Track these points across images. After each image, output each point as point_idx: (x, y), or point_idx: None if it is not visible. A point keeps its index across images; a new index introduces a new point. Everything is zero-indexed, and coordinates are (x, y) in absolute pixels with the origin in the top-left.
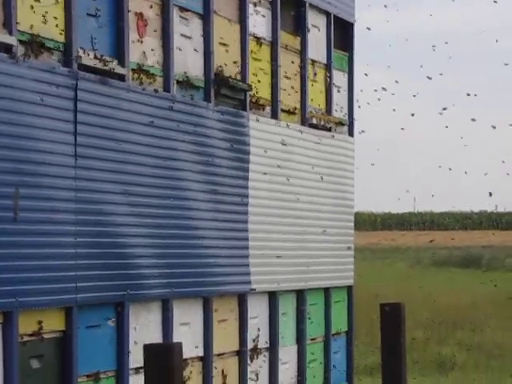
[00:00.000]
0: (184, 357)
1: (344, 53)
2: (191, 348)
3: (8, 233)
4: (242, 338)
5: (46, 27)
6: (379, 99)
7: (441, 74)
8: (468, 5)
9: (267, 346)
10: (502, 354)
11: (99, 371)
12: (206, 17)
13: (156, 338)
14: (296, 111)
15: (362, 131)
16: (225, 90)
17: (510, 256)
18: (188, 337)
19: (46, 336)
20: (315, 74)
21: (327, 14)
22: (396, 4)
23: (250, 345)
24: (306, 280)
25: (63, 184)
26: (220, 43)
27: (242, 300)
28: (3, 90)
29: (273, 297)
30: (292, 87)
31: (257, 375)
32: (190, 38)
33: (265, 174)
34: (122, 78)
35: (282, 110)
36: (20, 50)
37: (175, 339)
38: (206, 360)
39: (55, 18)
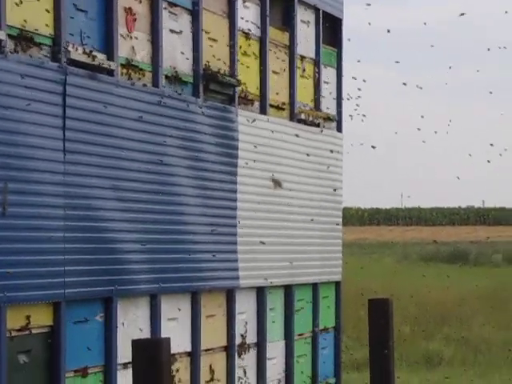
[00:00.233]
0: (172, 352)
1: (333, 48)
2: (179, 343)
3: None
4: (230, 333)
5: (35, 22)
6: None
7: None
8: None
9: (255, 341)
10: (489, 349)
11: (87, 366)
12: (194, 12)
13: (144, 333)
14: (284, 107)
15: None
16: (213, 86)
17: (497, 252)
18: (176, 332)
19: (34, 331)
20: (304, 70)
21: (316, 9)
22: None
23: (237, 340)
24: (294, 275)
25: (52, 179)
26: (209, 38)
27: (230, 295)
28: None
29: (261, 292)
30: (281, 83)
31: (244, 370)
32: (178, 33)
33: (253, 169)
34: (110, 72)
35: (271, 106)
36: (9, 45)
37: (163, 334)
38: (193, 355)
39: (44, 12)
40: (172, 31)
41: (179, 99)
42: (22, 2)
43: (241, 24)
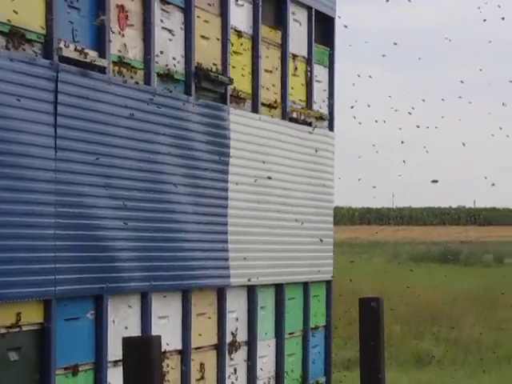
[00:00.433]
0: (163, 350)
1: (325, 47)
2: (170, 341)
3: None
4: (221, 331)
5: (27, 19)
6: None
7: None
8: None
9: (246, 339)
10: (479, 350)
11: (77, 364)
12: (187, 10)
13: (135, 330)
14: (276, 105)
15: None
16: (205, 84)
17: (487, 252)
18: (167, 330)
19: (24, 328)
20: (296, 69)
21: (308, 8)
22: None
23: (228, 338)
24: (285, 274)
25: (43, 176)
26: (201, 36)
27: (220, 294)
28: None
29: (252, 291)
30: (273, 81)
31: (235, 369)
32: (171, 31)
33: (245, 168)
34: (102, 70)
35: (263, 104)
36: (0, 42)
37: (154, 332)
38: (184, 353)
39: (36, 9)
40: (164, 29)
41: (171, 97)
42: None
43: (233, 22)
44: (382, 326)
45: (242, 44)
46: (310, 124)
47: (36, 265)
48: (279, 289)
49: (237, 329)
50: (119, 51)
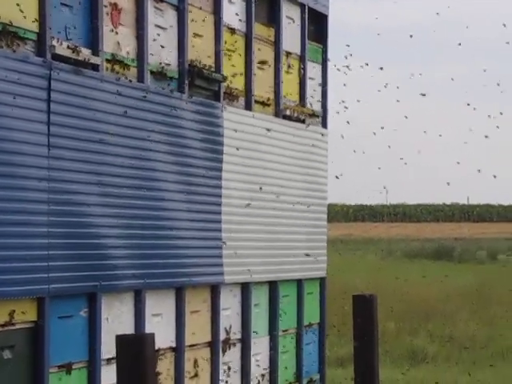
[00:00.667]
0: (156, 347)
1: (318, 45)
2: (163, 339)
3: None
4: (215, 329)
5: (20, 16)
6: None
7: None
8: None
9: (239, 337)
10: (474, 346)
11: (71, 362)
12: (180, 8)
13: (128, 328)
14: (270, 102)
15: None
16: (199, 81)
17: (481, 248)
18: (160, 328)
19: (17, 326)
20: (289, 66)
21: (301, 5)
22: None
23: (222, 336)
24: (279, 271)
25: (36, 174)
26: (194, 34)
27: (214, 291)
28: None
29: (245, 288)
30: (266, 78)
31: (229, 366)
32: (164, 28)
33: (238, 165)
34: (95, 68)
35: (256, 102)
36: None
37: (148, 330)
38: (178, 351)
39: (29, 7)
40: (157, 26)
41: (164, 95)
42: None
43: (226, 20)
44: (376, 323)
45: (235, 41)
46: (303, 121)
47: (29, 263)
48: (273, 286)
49: (231, 326)
50: (112, 49)
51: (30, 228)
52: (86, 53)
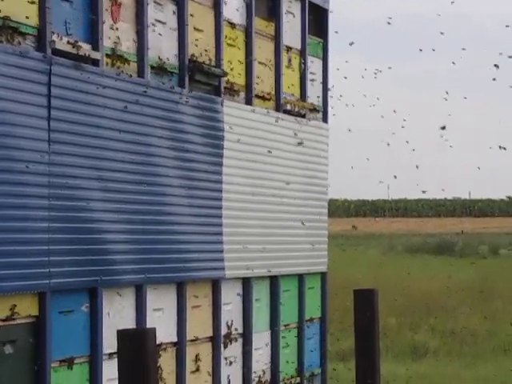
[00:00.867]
0: (157, 342)
1: (319, 39)
2: (165, 333)
3: None
4: (216, 323)
5: (20, 12)
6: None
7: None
8: None
9: (241, 331)
10: (475, 341)
11: (72, 356)
12: (180, 2)
13: (129, 323)
14: (270, 97)
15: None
16: (199, 76)
17: (483, 243)
18: (162, 322)
19: (19, 321)
20: (290, 61)
21: (302, 0)
22: None
23: (223, 330)
24: (280, 266)
25: (36, 169)
26: (194, 29)
27: (215, 286)
28: None
29: (246, 283)
30: (266, 73)
31: (230, 361)
32: (164, 23)
33: (239, 160)
34: (95, 63)
35: (257, 96)
36: None
37: (149, 325)
38: (179, 345)
39: (29, 2)
40: (157, 21)
41: (164, 90)
42: None
43: (226, 14)
44: (377, 318)
45: (235, 36)
46: (303, 116)
47: (30, 258)
48: (274, 281)
49: (232, 321)
50: (112, 44)
51: (31, 223)
52: (86, 48)
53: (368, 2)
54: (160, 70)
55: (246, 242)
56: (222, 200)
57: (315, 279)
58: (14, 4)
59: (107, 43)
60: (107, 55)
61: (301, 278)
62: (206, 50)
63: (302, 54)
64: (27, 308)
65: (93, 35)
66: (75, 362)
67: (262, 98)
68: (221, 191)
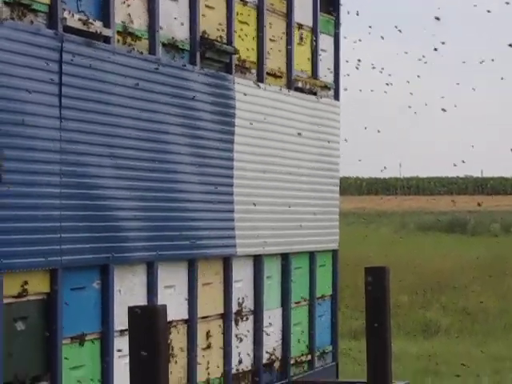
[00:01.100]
0: (168, 319)
1: (330, 16)
2: (176, 311)
3: None
4: (227, 301)
5: None
6: (359, 60)
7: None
8: None
9: (252, 309)
10: (486, 319)
11: (84, 333)
12: None
13: (141, 300)
14: (281, 75)
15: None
16: (210, 53)
17: (495, 221)
18: (173, 300)
19: (30, 298)
20: (301, 38)
21: None
22: None
23: (234, 308)
24: (291, 244)
25: (48, 146)
26: (206, 6)
27: (226, 263)
28: None
29: (258, 260)
30: (278, 51)
31: (241, 338)
32: (176, 0)
33: (250, 137)
34: (107, 40)
35: (268, 74)
36: (5, 12)
37: (160, 302)
38: (190, 323)
39: None
40: None
41: (176, 67)
42: None
43: None
44: (388, 295)
45: (247, 13)
46: (315, 93)
47: (42, 234)
48: (285, 258)
49: (243, 298)
50: (124, 21)
51: (43, 200)
52: (97, 25)
53: None
54: (171, 47)
55: (258, 219)
56: (233, 177)
57: (326, 257)
58: None
59: (118, 20)
60: (118, 32)
61: (312, 255)
62: (217, 28)
63: (314, 31)
64: (39, 285)
65: (104, 12)
66: (86, 338)
67: (274, 75)
68: (232, 168)
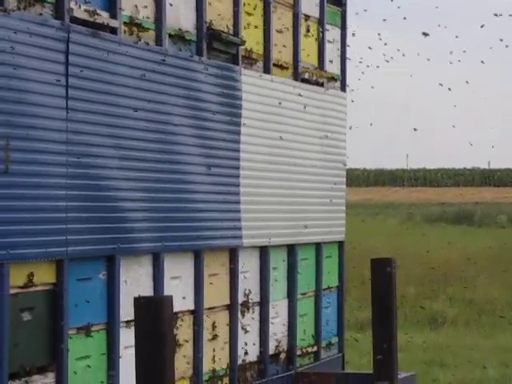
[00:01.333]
0: (174, 310)
1: (337, 8)
2: (182, 301)
3: None
4: (233, 292)
5: None
6: (370, 48)
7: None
8: None
9: (258, 300)
10: (493, 310)
11: (90, 324)
12: None
13: (147, 291)
14: (288, 66)
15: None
16: (217, 44)
17: (501, 212)
18: (179, 290)
19: (36, 288)
20: (308, 29)
21: None
22: None
23: (240, 299)
24: (298, 235)
25: (54, 137)
26: None
27: (233, 254)
28: None
29: (264, 251)
30: (284, 42)
31: (247, 329)
32: None
33: (256, 128)
34: (113, 31)
35: (274, 65)
36: (12, 2)
37: (166, 293)
38: (196, 314)
39: None
40: None
41: (182, 58)
42: None
43: None
44: (395, 287)
45: (253, 4)
46: (321, 85)
47: (48, 225)
48: (291, 249)
49: (249, 289)
50: (130, 12)
51: (49, 190)
52: (104, 16)
53: None
54: (178, 38)
55: (264, 210)
56: (239, 168)
57: (333, 248)
58: None
59: (125, 11)
60: (125, 23)
61: (318, 246)
62: (224, 19)
63: (321, 22)
64: (45, 275)
65: (111, 3)
66: (92, 329)
67: (280, 66)
68: (238, 160)
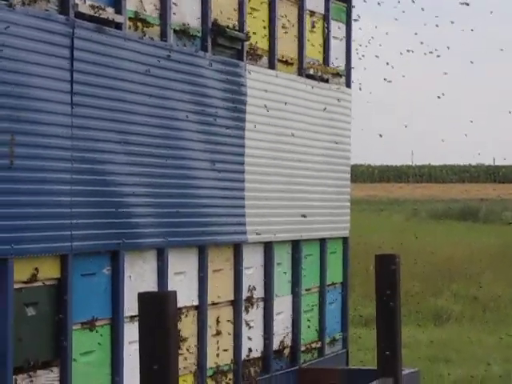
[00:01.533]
0: (179, 306)
1: (343, 4)
2: (186, 297)
3: (3, 180)
4: (237, 287)
5: None
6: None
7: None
8: None
9: (262, 296)
10: (498, 307)
11: (94, 319)
12: None
13: (151, 286)
14: (293, 62)
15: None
16: (222, 40)
17: (506, 209)
18: (183, 286)
19: (41, 283)
20: (313, 25)
21: None
22: None
23: (244, 295)
24: (302, 231)
25: (59, 132)
26: None
27: (237, 250)
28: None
29: (268, 247)
30: (289, 38)
31: (251, 325)
32: None
33: (261, 124)
34: (118, 26)
35: (279, 61)
36: None
37: (170, 288)
38: (200, 309)
39: None
40: None
41: (187, 53)
42: None
43: None
44: (399, 283)
45: (259, 0)
46: (326, 80)
47: (52, 220)
48: (296, 245)
49: (253, 285)
50: (135, 7)
51: (53, 186)
52: (109, 11)
53: None
54: (183, 33)
55: (268, 206)
56: (244, 164)
57: (337, 244)
58: None
59: (130, 6)
60: (130, 19)
61: (323, 242)
62: (229, 14)
63: (326, 18)
64: (49, 270)
65: None
66: (97, 324)
67: (285, 62)
68: (243, 155)
